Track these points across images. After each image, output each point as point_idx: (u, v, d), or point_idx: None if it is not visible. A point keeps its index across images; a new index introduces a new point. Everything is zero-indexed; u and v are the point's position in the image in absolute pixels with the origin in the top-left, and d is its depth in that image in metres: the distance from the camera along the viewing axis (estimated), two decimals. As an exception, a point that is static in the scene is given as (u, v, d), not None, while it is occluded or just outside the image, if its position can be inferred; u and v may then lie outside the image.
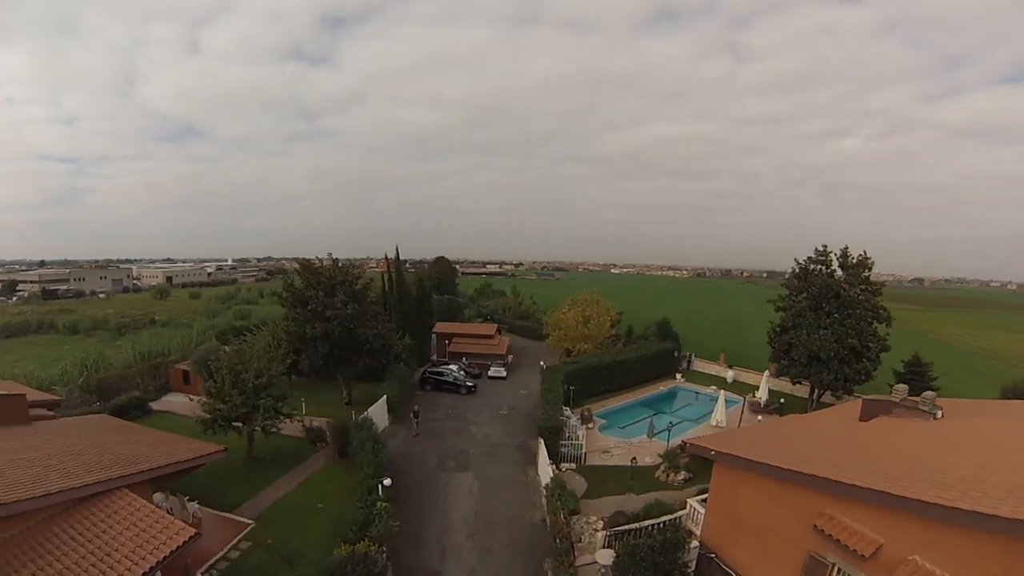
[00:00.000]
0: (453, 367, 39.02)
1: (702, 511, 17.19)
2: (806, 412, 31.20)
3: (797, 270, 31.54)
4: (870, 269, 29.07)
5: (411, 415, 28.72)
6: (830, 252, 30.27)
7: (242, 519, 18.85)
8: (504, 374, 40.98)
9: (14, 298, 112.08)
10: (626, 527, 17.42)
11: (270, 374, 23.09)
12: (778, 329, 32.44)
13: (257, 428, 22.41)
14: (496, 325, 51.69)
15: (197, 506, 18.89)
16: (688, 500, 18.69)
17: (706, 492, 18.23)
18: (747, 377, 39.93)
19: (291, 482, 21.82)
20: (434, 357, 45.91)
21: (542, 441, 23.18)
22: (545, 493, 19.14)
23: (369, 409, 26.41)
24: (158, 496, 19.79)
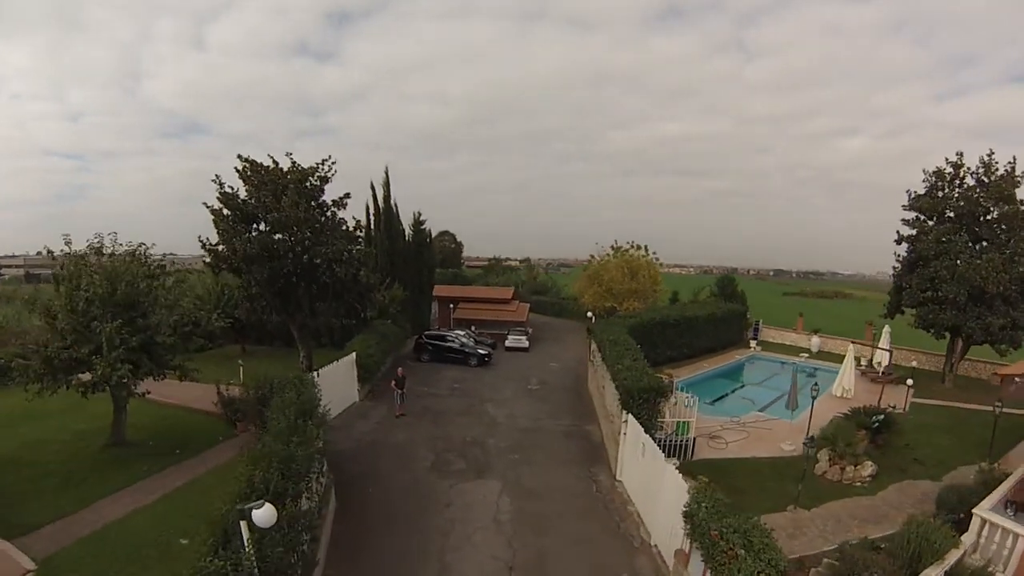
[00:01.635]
0: (460, 332, 29.27)
1: (1025, 534, 8.57)
2: (943, 382, 24.07)
3: (924, 189, 23.81)
4: (1019, 185, 21.69)
5: (392, 384, 18.63)
6: (962, 165, 22.81)
7: (21, 558, 9.03)
8: (526, 344, 31.09)
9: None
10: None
11: (129, 284, 12.84)
12: (909, 263, 24.07)
13: (101, 379, 12.22)
14: (513, 288, 41.59)
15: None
16: (976, 513, 9.30)
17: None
18: (835, 346, 31.04)
19: (158, 487, 11.81)
20: (436, 327, 35.92)
21: (629, 418, 12.48)
22: (685, 529, 8.17)
23: (323, 369, 16.43)
24: None
